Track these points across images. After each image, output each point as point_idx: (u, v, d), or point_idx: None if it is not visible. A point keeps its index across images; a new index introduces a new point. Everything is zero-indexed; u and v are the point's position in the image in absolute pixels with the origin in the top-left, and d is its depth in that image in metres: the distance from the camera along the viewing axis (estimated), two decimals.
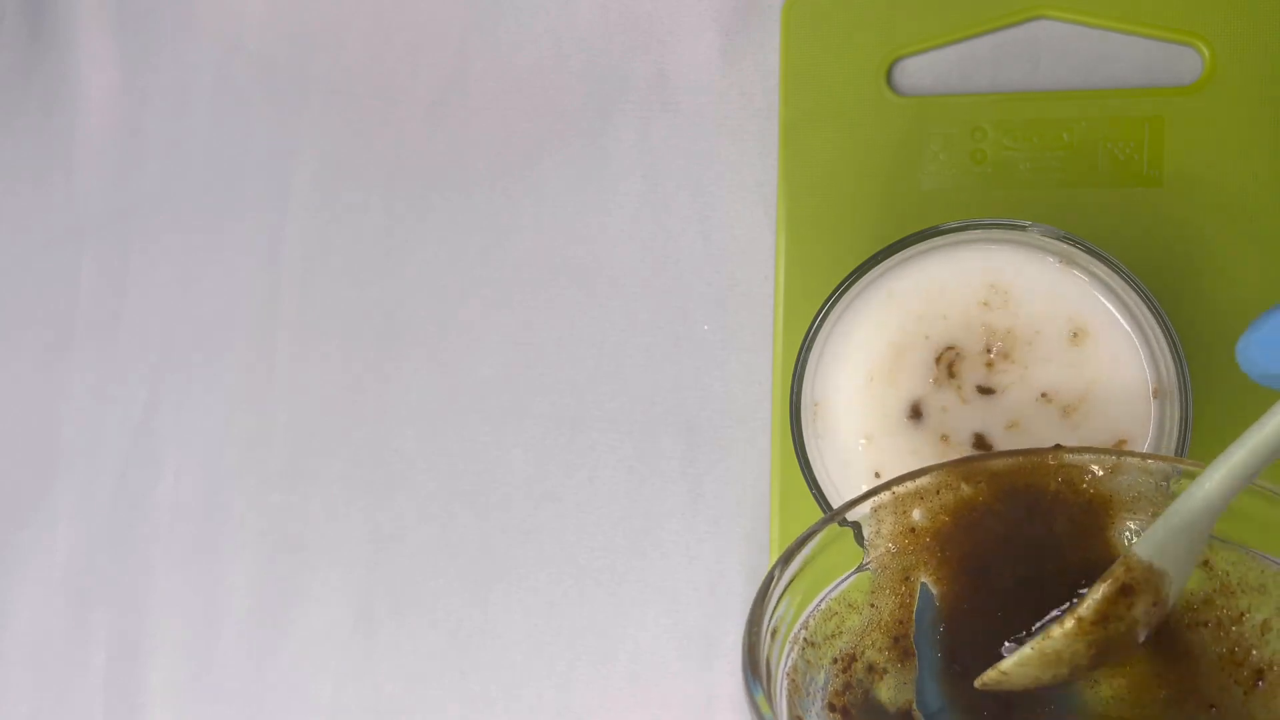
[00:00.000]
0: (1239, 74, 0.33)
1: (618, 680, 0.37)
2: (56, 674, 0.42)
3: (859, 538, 0.27)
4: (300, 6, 0.41)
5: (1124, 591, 0.23)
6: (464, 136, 0.40)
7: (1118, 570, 0.23)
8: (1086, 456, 0.26)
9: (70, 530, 0.42)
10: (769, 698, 0.23)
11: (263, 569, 0.40)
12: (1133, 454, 0.26)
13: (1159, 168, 0.33)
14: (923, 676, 0.26)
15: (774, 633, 0.25)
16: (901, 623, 0.26)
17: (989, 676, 0.25)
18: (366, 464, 0.40)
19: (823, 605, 0.26)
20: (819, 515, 0.30)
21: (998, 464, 0.26)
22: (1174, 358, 0.28)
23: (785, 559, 0.25)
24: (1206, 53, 0.33)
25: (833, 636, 0.26)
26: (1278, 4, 0.33)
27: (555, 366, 0.38)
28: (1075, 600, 0.24)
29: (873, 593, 0.27)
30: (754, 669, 0.23)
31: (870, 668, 0.26)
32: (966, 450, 0.30)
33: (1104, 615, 0.23)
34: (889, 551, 0.27)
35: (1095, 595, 0.23)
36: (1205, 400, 0.30)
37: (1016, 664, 0.24)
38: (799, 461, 0.30)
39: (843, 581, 0.26)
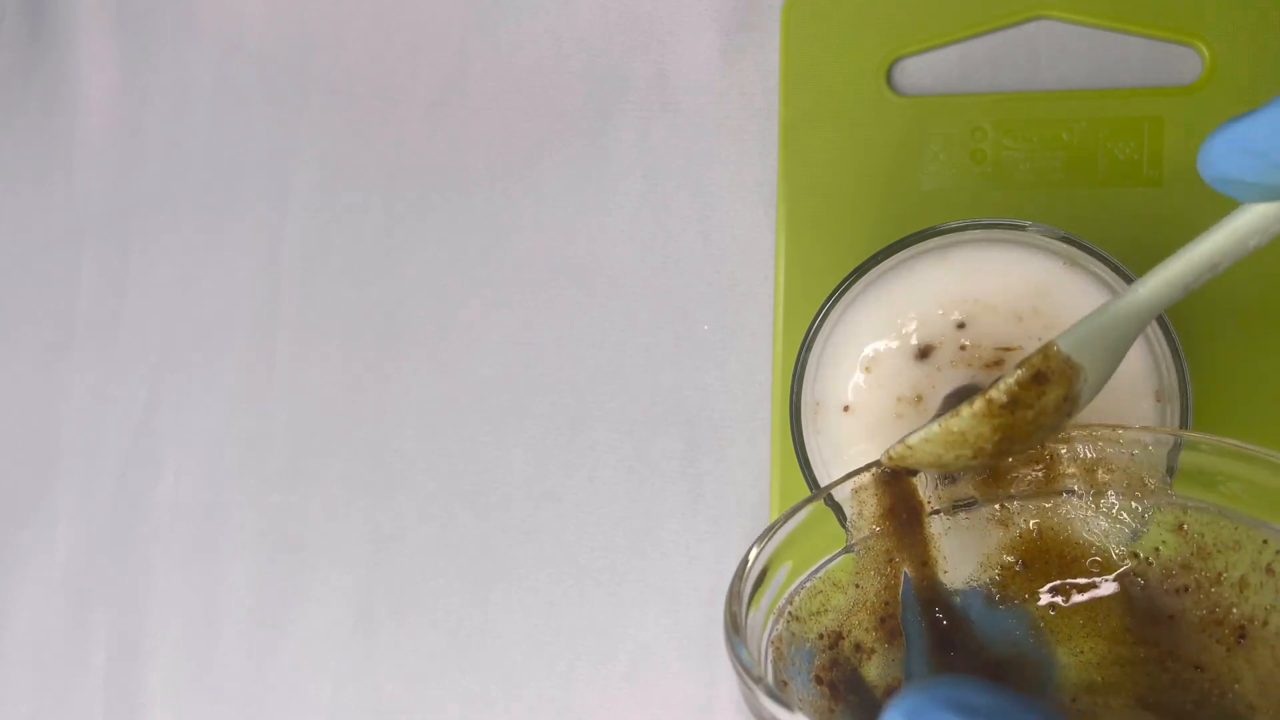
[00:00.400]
0: (1239, 74, 0.33)
1: (618, 680, 0.37)
2: (56, 674, 0.42)
3: (842, 520, 0.27)
4: (300, 6, 0.41)
5: (1038, 378, 0.23)
6: (464, 136, 0.40)
7: (1035, 358, 0.23)
8: (1074, 432, 0.26)
9: (70, 530, 0.42)
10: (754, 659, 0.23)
11: (263, 569, 0.40)
12: (1101, 426, 0.26)
13: (1159, 168, 0.33)
14: (911, 657, 0.26)
15: (755, 605, 0.25)
16: (888, 604, 0.26)
17: (894, 450, 0.25)
18: (366, 464, 0.40)
19: (808, 583, 0.26)
20: None
21: None
22: (1174, 359, 0.28)
23: (766, 535, 0.26)
24: (1206, 53, 0.33)
25: (818, 614, 0.26)
26: (1277, 4, 0.33)
27: (555, 366, 0.38)
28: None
29: (857, 574, 0.27)
30: (736, 631, 0.23)
31: (858, 647, 0.26)
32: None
33: (1014, 399, 0.23)
34: (873, 533, 0.27)
35: (1009, 379, 0.23)
36: (1205, 401, 0.30)
37: (922, 439, 0.24)
38: (799, 461, 0.30)
39: (829, 561, 0.26)
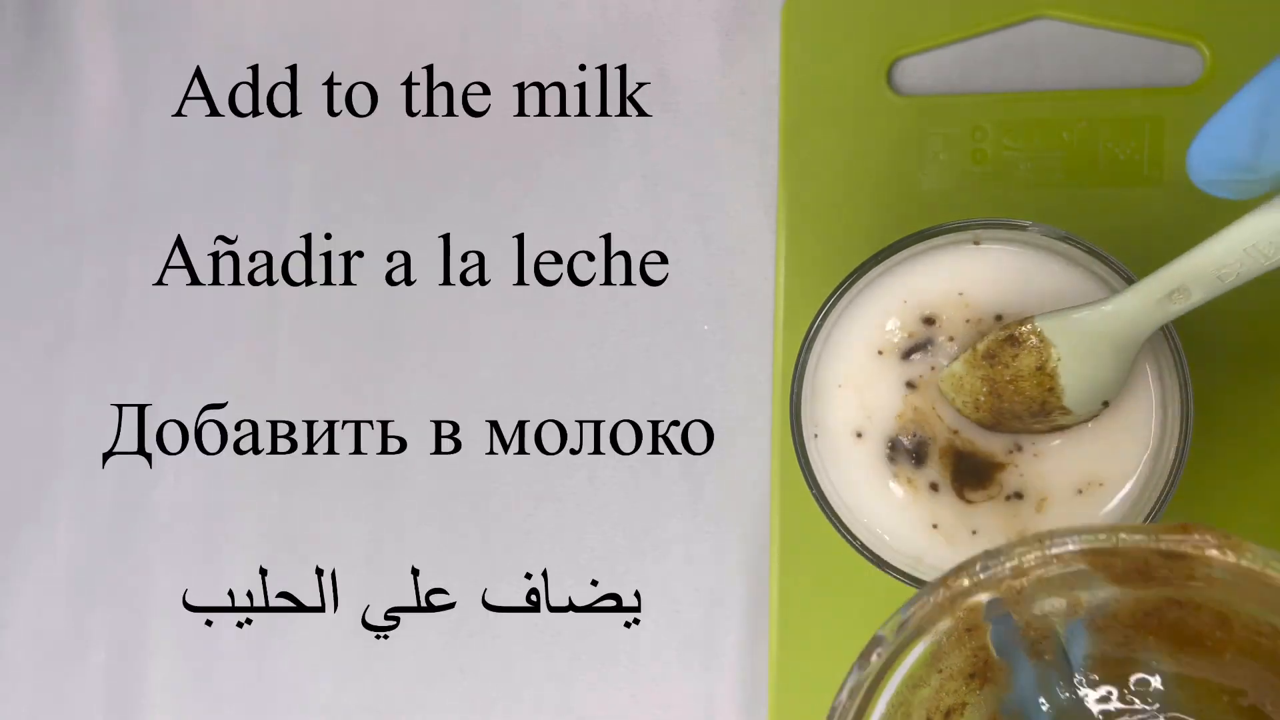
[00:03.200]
0: (1239, 74, 0.33)
1: (618, 680, 0.37)
2: (56, 674, 0.42)
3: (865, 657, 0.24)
4: (300, 6, 0.41)
5: (1011, 340, 0.28)
6: (464, 136, 0.39)
7: (1011, 324, 0.28)
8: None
9: (70, 530, 0.42)
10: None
11: (262, 569, 0.40)
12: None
13: (1159, 168, 0.33)
14: (1019, 683, 0.25)
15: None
16: (976, 654, 0.25)
17: (941, 378, 0.29)
18: (366, 464, 0.40)
19: (885, 704, 0.24)
20: (819, 515, 0.30)
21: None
22: (1174, 358, 0.28)
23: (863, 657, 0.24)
24: (1206, 53, 0.33)
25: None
26: (1278, 4, 0.33)
27: (555, 366, 0.38)
28: None
29: (934, 659, 0.25)
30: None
31: (948, 714, 0.25)
32: (941, 428, 0.30)
33: (990, 353, 0.28)
34: (950, 611, 0.24)
35: (989, 337, 0.28)
36: (1204, 401, 0.30)
37: (945, 374, 0.29)
38: (799, 461, 0.30)
39: (902, 668, 0.24)
